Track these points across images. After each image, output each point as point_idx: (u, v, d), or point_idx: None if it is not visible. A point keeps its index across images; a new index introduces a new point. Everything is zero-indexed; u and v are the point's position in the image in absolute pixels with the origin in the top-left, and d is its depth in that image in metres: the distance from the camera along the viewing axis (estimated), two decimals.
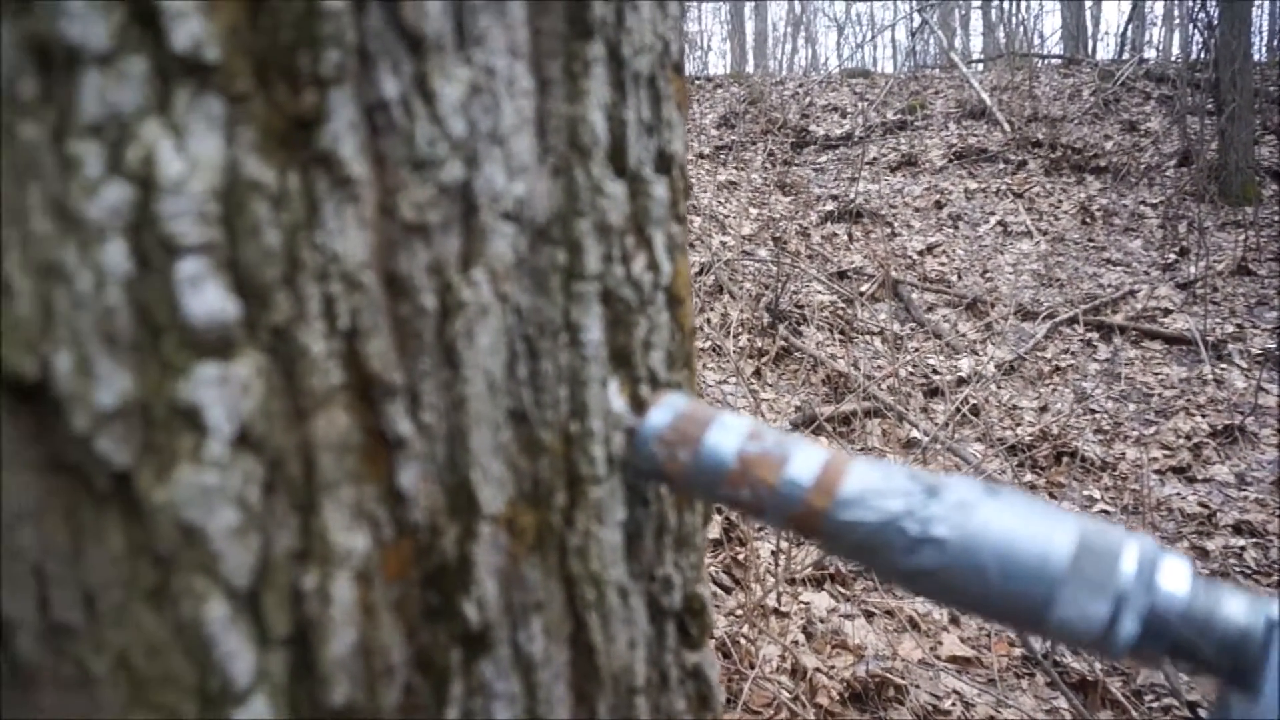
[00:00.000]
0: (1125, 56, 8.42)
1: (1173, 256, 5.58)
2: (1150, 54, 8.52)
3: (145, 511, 0.32)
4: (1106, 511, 3.50)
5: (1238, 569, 3.07)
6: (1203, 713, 2.49)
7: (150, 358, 0.31)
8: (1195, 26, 7.08)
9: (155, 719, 0.33)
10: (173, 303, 0.31)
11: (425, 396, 0.38)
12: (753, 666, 2.59)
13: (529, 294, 0.42)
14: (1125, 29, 9.37)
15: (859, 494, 0.42)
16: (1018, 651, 2.81)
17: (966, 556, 0.40)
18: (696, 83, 8.93)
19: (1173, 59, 8.34)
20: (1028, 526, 0.40)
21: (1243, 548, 3.17)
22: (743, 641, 2.65)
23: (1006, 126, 7.14)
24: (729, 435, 0.45)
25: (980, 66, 8.88)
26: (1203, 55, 6.89)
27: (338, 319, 0.35)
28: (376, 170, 0.37)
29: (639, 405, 0.49)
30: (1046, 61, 8.57)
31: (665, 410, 0.47)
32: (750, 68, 11.07)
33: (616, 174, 0.46)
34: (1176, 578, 0.38)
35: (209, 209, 0.32)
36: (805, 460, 0.44)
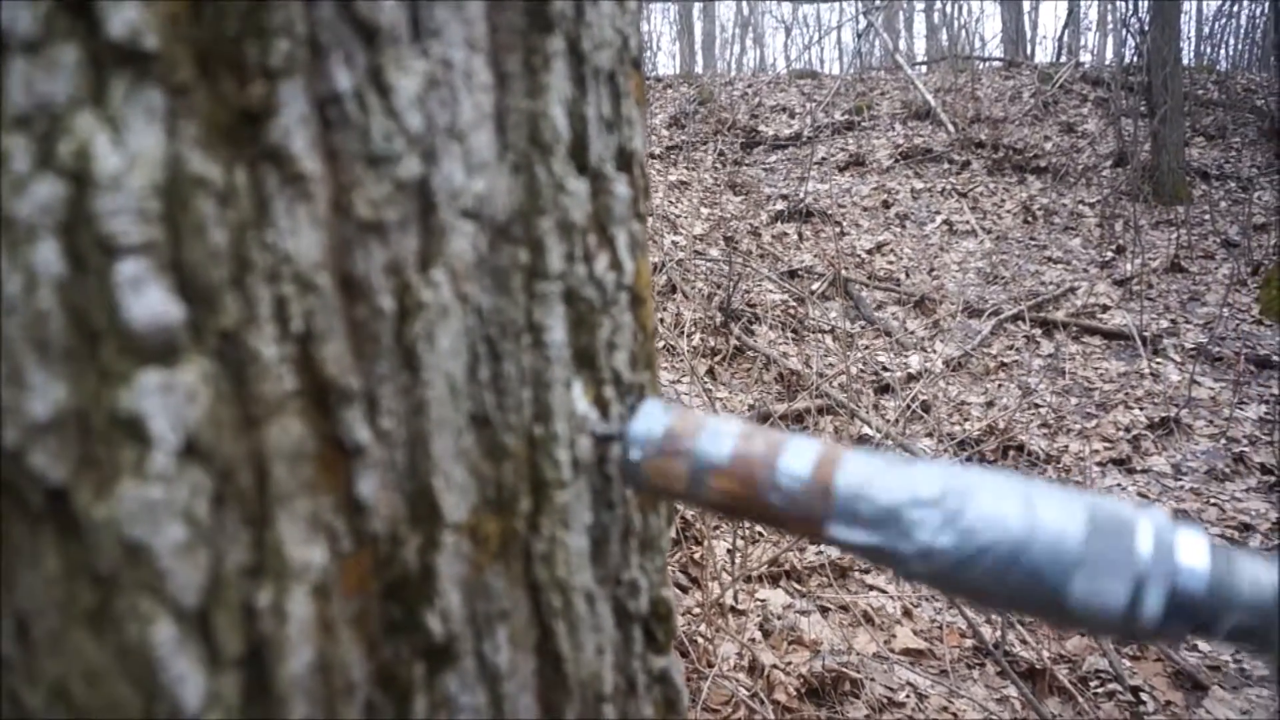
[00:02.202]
0: (1063, 60, 8.65)
1: (1110, 254, 5.75)
2: (1086, 58, 8.77)
3: (84, 530, 0.30)
4: None
5: None
6: (1144, 697, 2.57)
7: (87, 365, 0.29)
8: (1128, 31, 7.31)
9: None
10: (112, 306, 0.29)
11: (384, 401, 0.37)
12: (711, 665, 2.60)
13: (490, 294, 0.41)
14: (1062, 33, 9.64)
15: (856, 489, 0.41)
16: (969, 642, 2.86)
17: (973, 549, 0.38)
18: (646, 83, 8.93)
19: (1107, 63, 8.60)
20: (1034, 510, 0.38)
21: None
22: (700, 640, 2.65)
23: (951, 127, 7.28)
24: (720, 440, 0.44)
25: (925, 69, 9.05)
26: (1135, 59, 7.12)
27: (290, 322, 0.34)
28: (330, 166, 0.35)
29: (603, 407, 0.48)
30: (988, 64, 8.77)
31: (647, 419, 0.45)
32: (699, 68, 11.11)
33: (579, 171, 0.45)
34: (1195, 552, 0.37)
35: (150, 206, 0.30)
36: (799, 456, 0.43)
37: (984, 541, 0.38)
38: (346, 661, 0.36)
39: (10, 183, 0.28)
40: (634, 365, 0.52)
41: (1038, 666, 2.67)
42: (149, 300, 0.30)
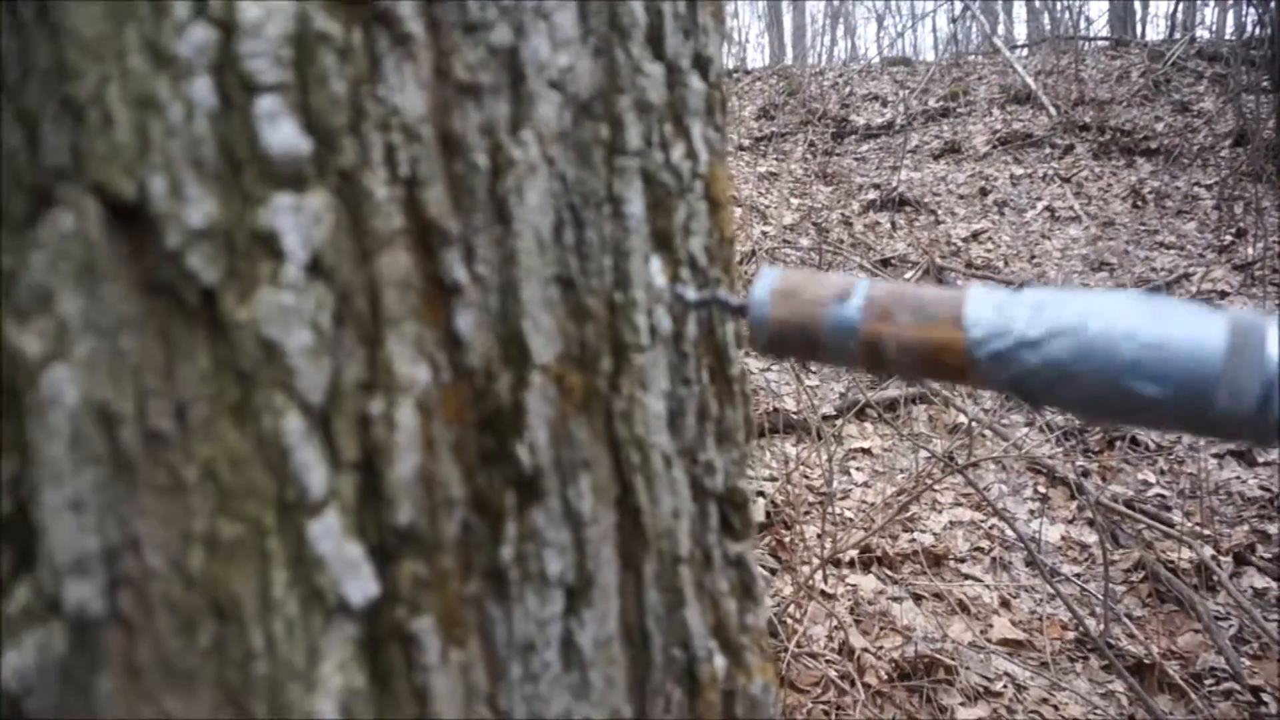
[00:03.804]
0: (1176, 37, 8.21)
1: (1229, 238, 5.43)
2: (1202, 33, 8.29)
3: (230, 329, 0.35)
4: (1162, 495, 3.43)
5: None
6: (1265, 698, 2.42)
7: (233, 188, 0.34)
8: (1250, 2, 6.88)
9: (240, 527, 0.36)
10: (252, 137, 0.34)
11: (479, 249, 0.41)
12: (801, 646, 2.59)
13: (574, 166, 0.45)
14: (1175, 9, 9.13)
15: (988, 318, 0.43)
16: (1071, 635, 2.76)
17: (1118, 366, 0.40)
18: (735, 76, 8.92)
19: (1226, 37, 8.11)
20: (1178, 320, 0.40)
21: None
22: (790, 622, 2.65)
23: (1052, 110, 7.01)
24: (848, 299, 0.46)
25: (1024, 51, 8.74)
26: (1258, 32, 6.69)
27: (399, 167, 0.38)
28: (432, 34, 0.39)
29: (680, 286, 0.51)
30: (1093, 44, 8.40)
31: (768, 280, 0.49)
32: (789, 60, 11.02)
33: (655, 57, 0.48)
34: None
35: (283, 53, 0.35)
36: (929, 297, 0.45)
37: (1129, 358, 0.40)
38: (447, 479, 0.40)
39: (172, 26, 0.33)
40: (710, 258, 0.55)
41: (1146, 661, 2.56)
42: (283, 132, 0.35)
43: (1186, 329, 0.40)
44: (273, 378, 0.35)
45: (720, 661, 0.54)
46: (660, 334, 0.49)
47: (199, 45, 0.33)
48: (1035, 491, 3.48)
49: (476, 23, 0.40)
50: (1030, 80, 7.39)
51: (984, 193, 6.36)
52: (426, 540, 0.39)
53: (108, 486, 0.33)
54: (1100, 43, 8.51)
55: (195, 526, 0.35)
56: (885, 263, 5.41)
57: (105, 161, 0.33)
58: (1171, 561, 2.86)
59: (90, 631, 0.33)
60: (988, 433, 3.82)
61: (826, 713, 2.43)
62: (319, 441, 0.36)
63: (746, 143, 7.29)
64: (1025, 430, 3.90)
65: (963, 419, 3.86)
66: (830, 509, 3.19)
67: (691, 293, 0.49)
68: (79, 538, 0.33)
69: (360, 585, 0.38)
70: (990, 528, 3.25)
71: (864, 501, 3.46)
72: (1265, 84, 6.26)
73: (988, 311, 0.44)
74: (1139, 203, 5.98)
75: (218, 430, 0.35)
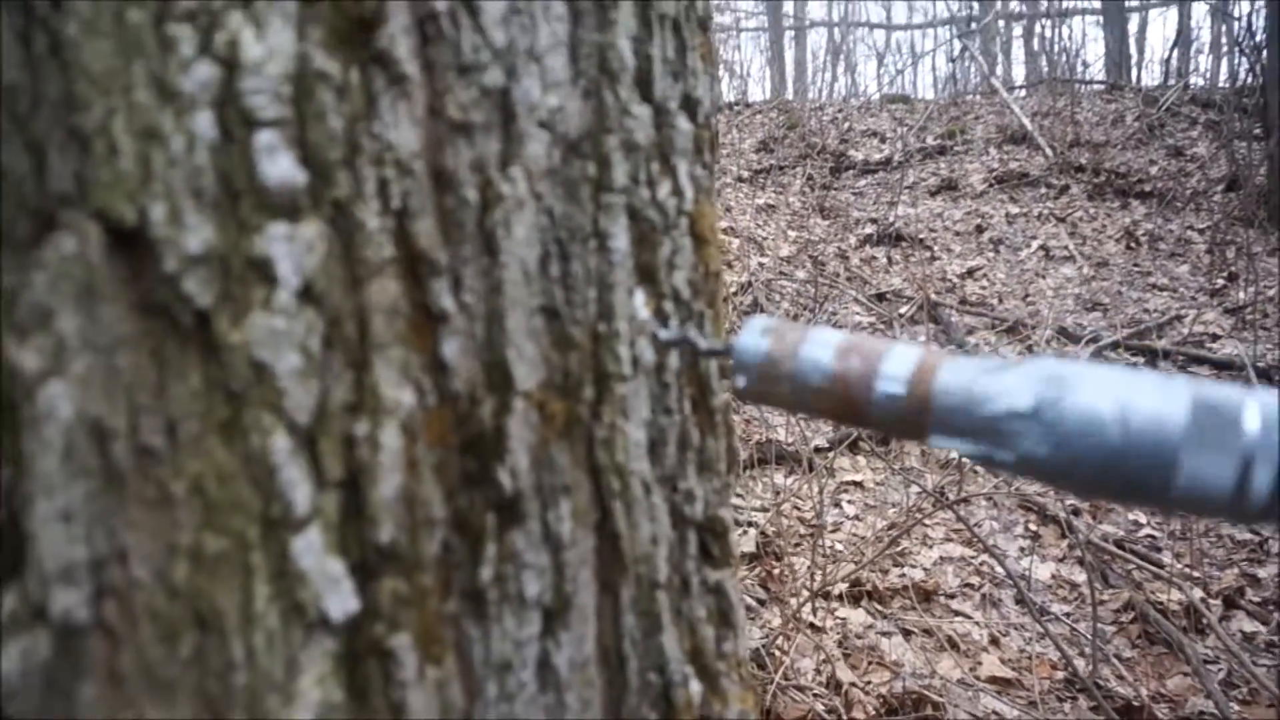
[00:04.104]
0: (1170, 83, 8.34)
1: (1220, 282, 5.48)
2: (1196, 80, 8.43)
3: (222, 350, 0.36)
4: (1153, 535, 3.44)
5: None
6: None
7: (230, 216, 0.36)
8: (1242, 51, 7.00)
9: (224, 541, 0.37)
10: (250, 168, 0.36)
11: (466, 279, 0.42)
12: (787, 679, 2.58)
13: (561, 202, 0.47)
14: (1169, 55, 9.29)
15: (953, 401, 0.42)
16: (1060, 675, 2.75)
17: (1073, 454, 0.39)
18: (735, 109, 9.03)
19: (1219, 84, 8.24)
20: (1133, 404, 0.38)
21: None
22: (777, 654, 2.63)
23: (1048, 151, 7.10)
24: (819, 359, 0.46)
25: (1022, 92, 8.86)
26: (1250, 80, 6.80)
27: (391, 200, 0.40)
28: (427, 74, 0.41)
29: (663, 320, 0.53)
30: (1089, 87, 8.53)
31: (754, 332, 0.48)
32: (790, 94, 11.17)
33: (643, 99, 0.50)
34: None
35: (283, 90, 0.37)
36: (897, 370, 0.44)
37: (1083, 448, 0.39)
38: (428, 499, 0.41)
39: (178, 63, 0.35)
40: (695, 292, 0.56)
41: (1135, 704, 2.55)
42: (280, 165, 0.36)
43: (1150, 402, 0.38)
44: (262, 398, 0.37)
45: (696, 687, 0.55)
46: (643, 364, 0.50)
47: (202, 81, 0.35)
48: (1026, 529, 3.48)
49: (470, 64, 0.42)
50: (1027, 121, 7.50)
51: (980, 230, 6.42)
52: (407, 558, 0.41)
53: (98, 499, 0.34)
54: (1096, 86, 8.65)
55: (181, 539, 0.36)
56: (880, 297, 5.45)
57: (108, 188, 0.35)
58: (1161, 603, 2.86)
59: (75, 639, 0.35)
60: (979, 469, 3.82)
61: None
62: (305, 460, 0.38)
63: (745, 175, 7.36)
64: None
65: (954, 454, 3.87)
66: (821, 541, 3.19)
67: (663, 330, 0.50)
68: (67, 547, 0.34)
69: (341, 601, 0.39)
70: (980, 564, 3.25)
71: (855, 535, 3.46)
72: (1257, 131, 6.35)
73: (961, 378, 0.43)
74: (1133, 244, 6.04)
75: (207, 447, 0.37)
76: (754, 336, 0.48)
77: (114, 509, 0.35)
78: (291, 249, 0.37)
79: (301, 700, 0.38)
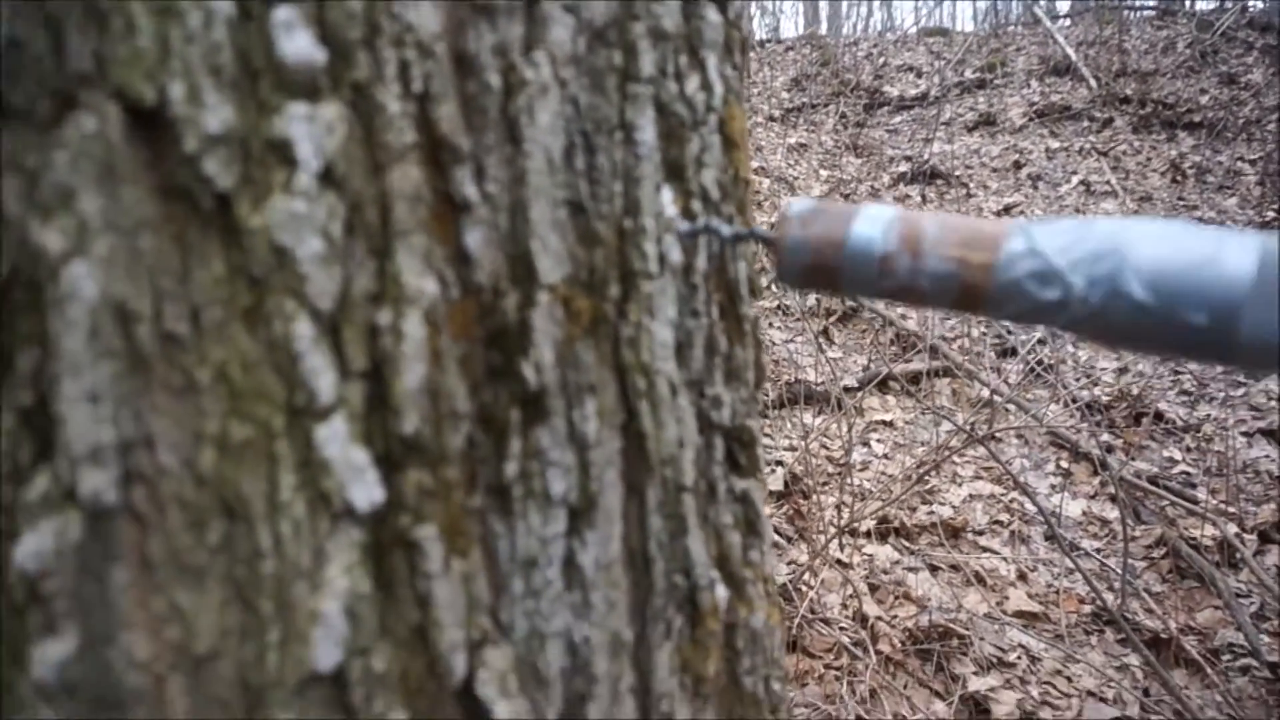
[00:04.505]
0: (1228, 5, 7.95)
1: (1271, 214, 5.30)
2: (1255, 3, 8.02)
3: (243, 234, 0.36)
4: (1188, 472, 3.39)
5: None
6: None
7: (249, 95, 0.35)
8: None
9: (250, 429, 0.37)
10: (269, 46, 0.35)
11: (490, 168, 0.41)
12: (814, 612, 2.61)
13: (586, 91, 0.45)
14: None
15: (1015, 258, 0.42)
16: (1088, 608, 2.76)
17: (1144, 287, 0.39)
18: (767, 46, 8.79)
19: None
20: (1201, 242, 0.38)
21: None
22: (804, 589, 2.66)
23: (1093, 82, 6.84)
24: (876, 220, 0.46)
25: (1066, 21, 8.51)
26: None
27: (412, 83, 0.39)
28: None
29: (691, 219, 0.52)
30: (1139, 14, 8.17)
31: (801, 205, 0.48)
32: (824, 29, 10.83)
33: None
34: None
35: None
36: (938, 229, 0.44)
37: (1143, 293, 0.39)
38: (453, 391, 0.41)
39: None
40: (724, 194, 0.55)
41: (1163, 636, 2.55)
42: (298, 42, 0.35)
43: (1211, 249, 0.38)
44: (284, 284, 0.36)
45: (722, 592, 0.55)
46: (669, 263, 0.49)
47: None
48: (1057, 466, 3.45)
49: None
50: (1071, 51, 7.22)
51: (1018, 166, 6.24)
52: (431, 451, 0.41)
53: (124, 381, 0.34)
54: (1146, 12, 8.28)
55: (207, 427, 0.36)
56: None
57: (127, 66, 0.34)
58: (1194, 538, 2.83)
59: (105, 522, 0.35)
60: (1010, 407, 3.79)
61: (838, 677, 2.45)
62: (328, 348, 0.37)
63: (777, 114, 7.20)
64: (1053, 408, 3.86)
65: (986, 393, 3.83)
66: (849, 480, 3.19)
67: (682, 222, 0.49)
68: (95, 429, 0.34)
69: (366, 491, 0.39)
70: (1010, 501, 3.24)
71: (883, 473, 3.45)
72: None
73: (1023, 241, 0.42)
74: (1178, 178, 5.84)
75: (230, 333, 0.36)
76: (799, 208, 0.47)
77: (140, 393, 0.35)
78: (312, 130, 0.36)
79: (329, 589, 0.39)
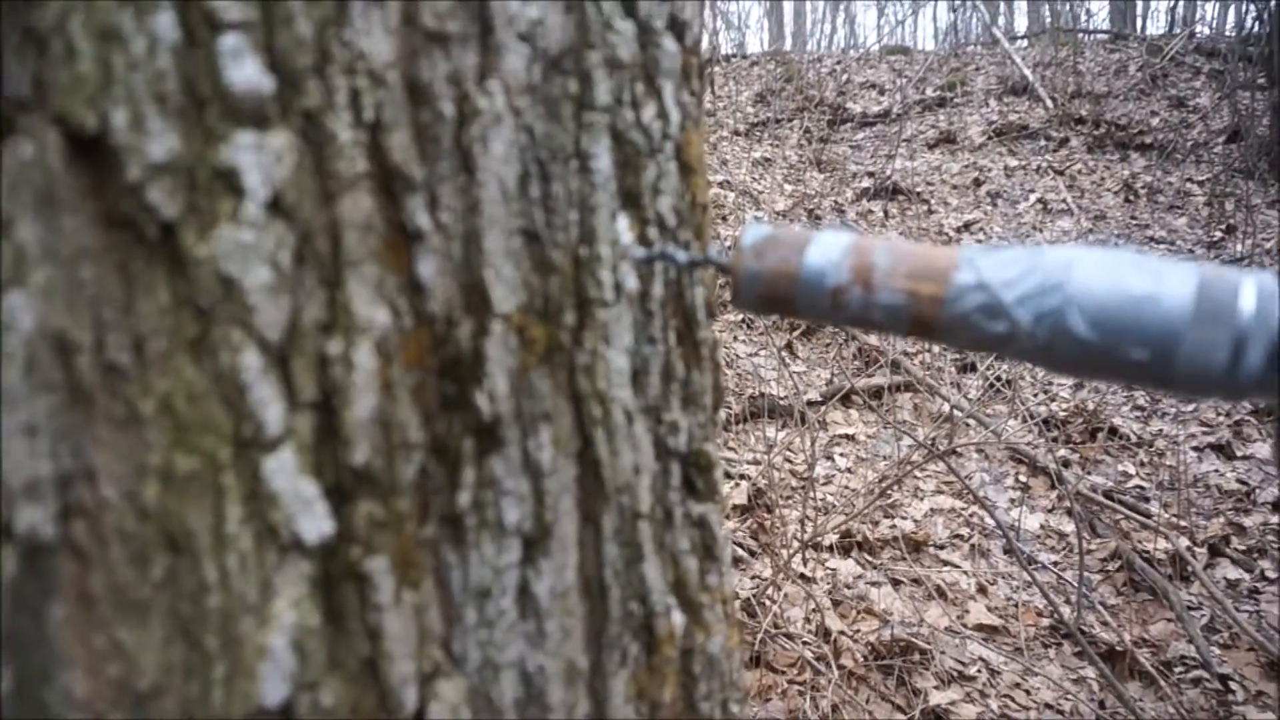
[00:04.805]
0: (1175, 31, 8.20)
1: (1219, 234, 5.46)
2: (1201, 29, 8.29)
3: (189, 264, 0.35)
4: (1141, 486, 3.46)
5: (1276, 545, 3.02)
6: (1234, 686, 2.46)
7: (195, 123, 0.35)
8: None
9: (195, 461, 0.36)
10: (215, 73, 0.35)
11: (443, 198, 0.41)
12: (777, 627, 2.62)
13: (542, 120, 0.45)
14: (1175, 4, 9.12)
15: (962, 289, 0.43)
16: (1046, 622, 2.80)
17: (1087, 324, 0.40)
18: (733, 61, 8.88)
19: (1225, 33, 8.11)
20: (1142, 277, 0.40)
21: None
22: (768, 604, 2.67)
23: (1049, 103, 7.01)
24: (829, 250, 0.46)
25: (1024, 43, 8.71)
26: (1256, 28, 6.70)
27: (364, 111, 0.38)
28: None
29: (649, 246, 0.52)
30: (1092, 37, 8.39)
31: (755, 233, 0.48)
32: (788, 46, 10.97)
33: (626, 15, 0.49)
34: None
35: None
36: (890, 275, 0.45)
37: (1087, 330, 0.40)
38: (405, 422, 0.41)
39: None
40: (680, 220, 0.55)
41: (1118, 649, 2.59)
42: (246, 70, 0.35)
43: (1151, 285, 0.40)
44: (231, 314, 0.36)
45: (678, 618, 0.55)
46: (625, 291, 0.49)
47: None
48: (1016, 481, 3.51)
49: None
50: (1028, 72, 7.39)
51: (978, 183, 6.36)
52: (383, 482, 0.40)
53: (63, 414, 0.34)
54: (1100, 36, 8.51)
55: (151, 459, 0.36)
56: None
57: (67, 92, 0.33)
58: (1147, 552, 2.89)
59: (43, 557, 0.34)
60: (971, 421, 3.84)
61: (801, 692, 2.46)
62: (277, 379, 0.37)
63: (742, 128, 7.26)
64: (1011, 423, 3.92)
65: (946, 408, 3.89)
66: (812, 493, 3.21)
67: (638, 249, 0.49)
68: (32, 462, 0.33)
69: (315, 523, 0.38)
70: (970, 515, 3.28)
71: (846, 487, 3.48)
72: (1261, 81, 6.27)
73: (971, 274, 0.43)
74: (1131, 197, 6.00)
75: (175, 365, 0.36)
76: (753, 237, 0.48)
77: (80, 426, 0.34)
78: (260, 159, 0.35)
79: (276, 623, 0.38)
